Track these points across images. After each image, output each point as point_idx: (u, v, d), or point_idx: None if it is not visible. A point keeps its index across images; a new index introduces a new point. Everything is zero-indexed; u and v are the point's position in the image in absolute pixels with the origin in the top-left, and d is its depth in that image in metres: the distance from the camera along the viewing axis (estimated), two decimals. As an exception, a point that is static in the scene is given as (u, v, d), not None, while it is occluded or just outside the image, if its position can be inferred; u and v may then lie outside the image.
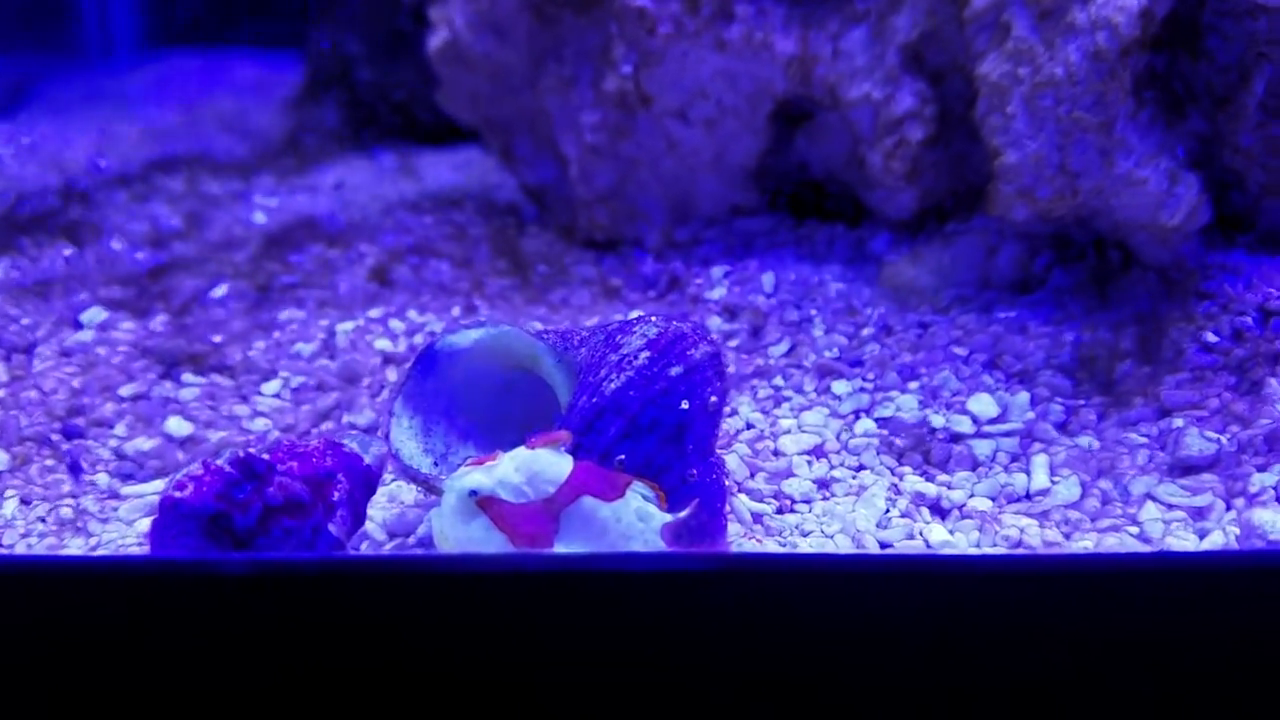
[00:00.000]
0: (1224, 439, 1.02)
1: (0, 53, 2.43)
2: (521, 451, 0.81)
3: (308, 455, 0.86)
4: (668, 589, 0.71)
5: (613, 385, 0.88)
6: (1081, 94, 1.10)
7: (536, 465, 0.80)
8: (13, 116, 2.32)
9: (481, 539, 0.79)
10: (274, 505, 0.82)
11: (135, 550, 0.94)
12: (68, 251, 1.50)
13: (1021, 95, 1.12)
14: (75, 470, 1.04)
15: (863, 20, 1.27)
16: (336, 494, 0.86)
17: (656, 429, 0.87)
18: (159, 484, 1.04)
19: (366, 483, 0.90)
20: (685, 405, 0.88)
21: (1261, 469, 1.00)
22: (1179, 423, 1.05)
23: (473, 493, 0.79)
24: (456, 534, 0.80)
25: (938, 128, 1.26)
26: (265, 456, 0.84)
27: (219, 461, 0.83)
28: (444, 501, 0.81)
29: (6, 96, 2.41)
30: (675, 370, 0.89)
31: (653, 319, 0.93)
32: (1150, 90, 1.15)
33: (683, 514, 0.81)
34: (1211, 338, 1.13)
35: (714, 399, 0.91)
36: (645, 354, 0.89)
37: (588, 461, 0.84)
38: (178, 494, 0.82)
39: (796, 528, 0.96)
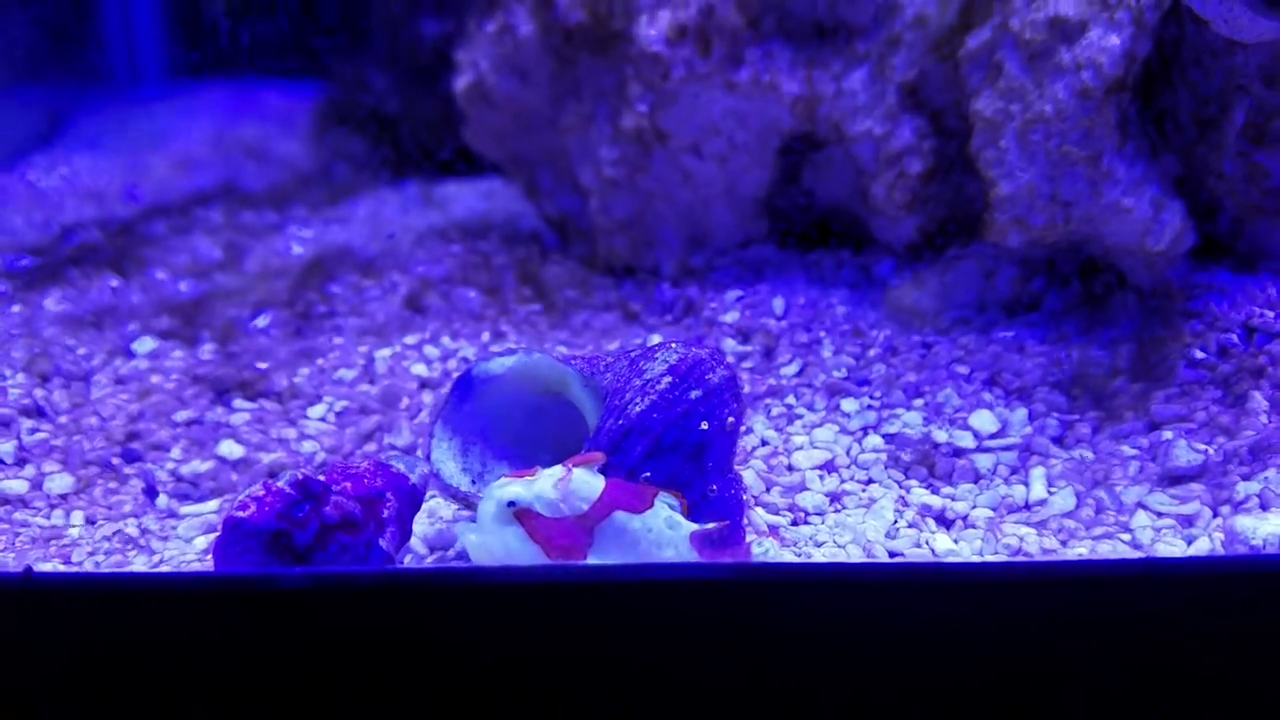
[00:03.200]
0: (1211, 450, 1.08)
1: (34, 83, 2.50)
2: (559, 470, 0.88)
3: (359, 476, 0.93)
4: (696, 597, 0.78)
5: (637, 408, 0.95)
6: (1070, 129, 1.17)
7: (572, 484, 0.87)
8: (48, 147, 2.40)
9: (515, 547, 0.85)
10: (330, 523, 0.89)
11: (196, 566, 1.01)
12: (114, 282, 1.57)
13: (1014, 130, 1.19)
14: (151, 493, 1.11)
15: (864, 61, 1.35)
16: (386, 512, 0.93)
17: (679, 448, 0.94)
18: (215, 504, 1.11)
19: (413, 500, 0.97)
20: (705, 426, 0.95)
21: (1246, 478, 1.05)
22: (1168, 435, 1.10)
23: (511, 503, 0.86)
24: (492, 538, 0.85)
25: (936, 161, 1.33)
26: (321, 478, 0.91)
27: (279, 483, 0.89)
28: (482, 508, 0.86)
29: (43, 127, 2.48)
30: (695, 394, 0.96)
31: (673, 345, 1.00)
32: (1135, 123, 1.22)
33: (710, 526, 0.88)
34: (1198, 354, 1.19)
35: (731, 419, 0.97)
36: (667, 379, 0.96)
37: (617, 479, 0.91)
38: (241, 514, 0.88)
39: (811, 538, 1.02)
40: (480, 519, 0.86)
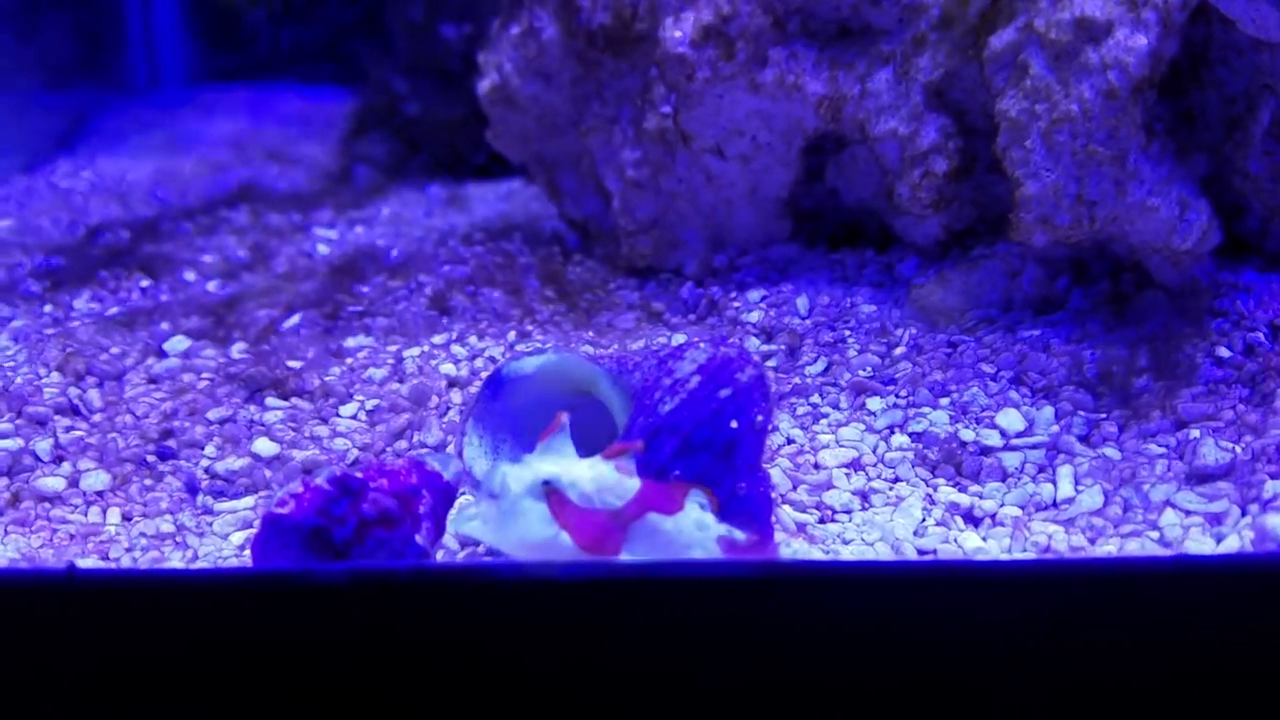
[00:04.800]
0: (1238, 448, 1.08)
1: (57, 87, 2.54)
2: (598, 463, 0.89)
3: (395, 473, 0.95)
4: (727, 594, 0.79)
5: (667, 407, 0.96)
6: (1096, 129, 1.18)
7: (609, 480, 0.88)
8: (72, 150, 2.43)
9: (535, 525, 0.85)
10: (368, 519, 0.91)
11: (233, 562, 1.03)
12: (144, 283, 1.59)
13: (1039, 130, 1.20)
14: (192, 490, 1.13)
15: (888, 61, 1.35)
16: (422, 508, 0.94)
17: (708, 447, 0.95)
18: (250, 500, 1.13)
19: (446, 497, 0.98)
20: (734, 424, 0.96)
21: (1274, 476, 1.05)
22: (1195, 434, 1.11)
23: (546, 482, 0.86)
24: (512, 513, 0.84)
25: (961, 160, 1.34)
26: (358, 475, 0.93)
27: (317, 480, 0.91)
28: (513, 475, 0.85)
29: (67, 129, 2.52)
30: (724, 393, 0.97)
31: (701, 345, 1.01)
32: (1161, 123, 1.23)
33: (739, 535, 0.89)
34: (1224, 353, 1.19)
35: (760, 418, 0.98)
36: (696, 378, 0.98)
37: (650, 480, 0.92)
38: (280, 510, 0.90)
39: (838, 536, 1.03)
40: (497, 483, 0.85)
